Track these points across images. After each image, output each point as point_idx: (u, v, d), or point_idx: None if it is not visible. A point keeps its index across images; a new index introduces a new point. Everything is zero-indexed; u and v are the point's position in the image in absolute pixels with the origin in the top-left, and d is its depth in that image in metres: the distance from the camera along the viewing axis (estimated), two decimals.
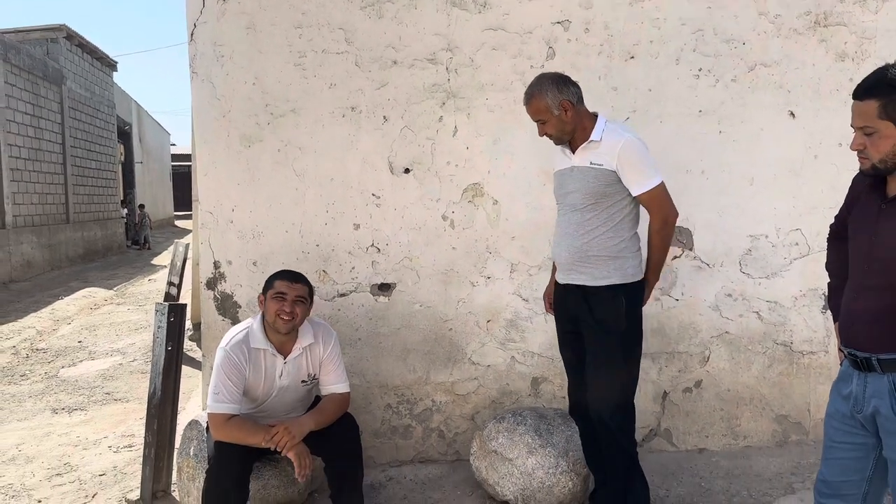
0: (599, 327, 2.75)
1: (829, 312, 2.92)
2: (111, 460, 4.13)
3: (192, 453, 3.13)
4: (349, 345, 3.60)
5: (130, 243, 20.83)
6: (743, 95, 3.67)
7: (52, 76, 15.23)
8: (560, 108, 2.70)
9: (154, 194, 27.43)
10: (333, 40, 3.51)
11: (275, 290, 2.85)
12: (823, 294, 3.65)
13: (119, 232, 19.73)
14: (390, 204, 3.61)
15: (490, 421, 3.33)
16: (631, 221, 2.78)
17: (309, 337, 2.93)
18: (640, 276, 2.80)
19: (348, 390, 3.02)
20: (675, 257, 3.71)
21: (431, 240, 3.63)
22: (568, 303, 2.87)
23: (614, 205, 2.72)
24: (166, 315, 3.38)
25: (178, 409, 3.62)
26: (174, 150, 34.13)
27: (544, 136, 2.81)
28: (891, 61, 1.86)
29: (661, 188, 2.71)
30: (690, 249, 3.73)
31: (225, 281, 3.56)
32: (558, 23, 3.57)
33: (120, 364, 6.71)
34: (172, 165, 32.76)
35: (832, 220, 2.28)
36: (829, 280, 2.29)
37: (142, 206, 21.86)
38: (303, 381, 2.95)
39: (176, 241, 8.47)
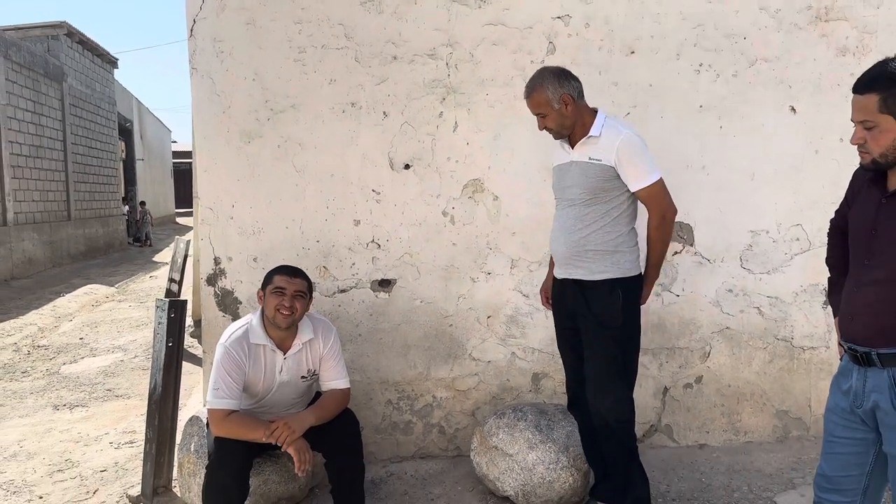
0: (597, 322, 2.75)
1: (829, 308, 2.92)
2: (112, 456, 4.14)
3: (192, 449, 3.13)
4: (350, 341, 3.60)
5: (132, 240, 20.84)
6: (744, 90, 3.66)
7: (53, 73, 15.22)
8: (560, 102, 2.70)
9: (155, 191, 27.44)
10: (333, 36, 3.51)
11: (274, 285, 2.84)
12: (824, 289, 3.64)
13: (120, 229, 19.73)
14: (390, 200, 3.61)
15: (490, 417, 3.33)
16: (629, 217, 2.78)
17: (309, 332, 2.93)
18: (637, 271, 2.80)
19: (348, 386, 3.02)
20: (676, 253, 3.71)
21: (432, 236, 3.63)
22: (566, 298, 2.88)
23: (612, 200, 2.72)
24: (167, 311, 3.38)
25: (179, 405, 3.62)
26: (175, 147, 34.12)
27: (544, 131, 2.81)
28: (891, 55, 1.86)
29: (660, 185, 2.71)
30: (691, 245, 3.72)
31: (225, 277, 3.56)
32: (558, 18, 3.56)
33: (121, 361, 6.72)
34: (173, 162, 32.76)
35: (833, 215, 2.27)
36: (829, 275, 2.29)
37: (143, 203, 21.87)
38: (303, 377, 2.95)
39: (177, 237, 8.48)
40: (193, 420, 3.27)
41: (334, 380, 2.98)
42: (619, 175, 2.69)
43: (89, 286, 11.80)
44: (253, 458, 2.87)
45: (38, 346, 7.55)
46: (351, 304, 3.63)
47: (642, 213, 2.81)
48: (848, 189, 2.14)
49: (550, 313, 3.09)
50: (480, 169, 3.61)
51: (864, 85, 1.83)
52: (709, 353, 3.78)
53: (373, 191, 3.60)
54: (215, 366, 2.81)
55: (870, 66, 1.87)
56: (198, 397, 4.52)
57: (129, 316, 9.14)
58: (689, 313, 3.76)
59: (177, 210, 33.48)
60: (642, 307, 2.88)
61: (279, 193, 3.55)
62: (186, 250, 7.64)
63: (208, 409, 2.81)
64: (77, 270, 14.15)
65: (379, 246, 3.62)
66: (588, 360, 2.81)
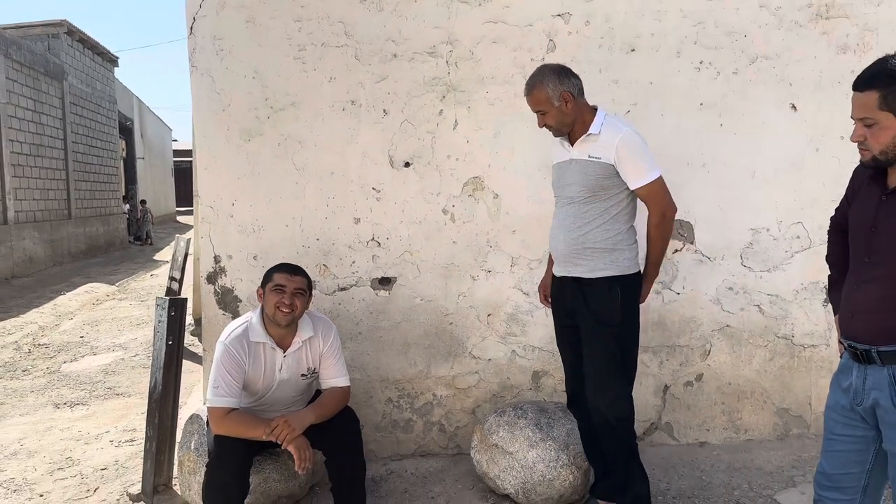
0: (595, 319, 2.75)
1: (829, 305, 2.92)
2: (113, 454, 4.14)
3: (192, 447, 3.13)
4: (350, 339, 3.60)
5: (132, 239, 20.85)
6: (744, 88, 3.66)
7: (54, 72, 15.22)
8: (560, 100, 2.69)
9: (156, 190, 27.44)
10: (333, 33, 3.50)
11: (274, 282, 2.84)
12: (824, 287, 3.64)
13: (121, 227, 19.73)
14: (391, 198, 3.60)
15: (491, 415, 3.33)
16: (628, 214, 2.78)
17: (308, 330, 2.93)
18: (636, 269, 2.79)
19: (348, 384, 3.02)
20: (676, 251, 3.70)
21: (432, 234, 3.63)
22: (565, 296, 2.88)
23: (611, 198, 2.72)
24: (167, 309, 3.38)
25: (180, 403, 3.62)
26: (176, 146, 34.10)
27: (544, 128, 2.81)
28: (892, 53, 1.85)
29: (659, 182, 2.71)
30: (691, 243, 3.72)
31: (225, 275, 3.56)
32: (559, 15, 3.56)
33: (122, 359, 6.72)
34: (174, 161, 32.75)
35: (833, 213, 2.27)
36: (829, 272, 2.28)
37: (143, 202, 21.88)
38: (302, 375, 2.95)
39: (177, 236, 8.49)
40: (193, 418, 3.27)
41: (334, 378, 2.98)
42: (618, 173, 2.69)
43: (90, 285, 11.81)
44: (253, 456, 2.87)
45: (39, 345, 7.55)
46: (351, 303, 3.63)
47: (642, 210, 2.80)
48: (848, 186, 2.13)
49: (551, 311, 3.09)
50: (480, 167, 3.61)
51: (864, 82, 1.83)
52: (709, 351, 3.77)
53: (373, 189, 3.59)
54: (215, 364, 2.81)
55: (870, 63, 1.87)
56: (198, 395, 4.53)
57: (129, 314, 9.14)
58: (690, 311, 3.75)
59: (177, 208, 33.47)
60: (643, 305, 2.88)
61: (279, 191, 3.55)
62: (187, 249, 7.65)
63: (208, 407, 2.81)
64: (78, 269, 14.15)
65: (379, 244, 3.62)
66: (587, 358, 2.81)
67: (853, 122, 1.89)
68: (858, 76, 1.85)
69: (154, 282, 12.14)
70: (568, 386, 3.02)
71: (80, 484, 3.74)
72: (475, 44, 3.55)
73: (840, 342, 2.07)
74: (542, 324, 3.66)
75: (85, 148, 17.10)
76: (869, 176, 1.98)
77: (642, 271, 2.85)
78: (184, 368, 3.59)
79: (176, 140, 34.40)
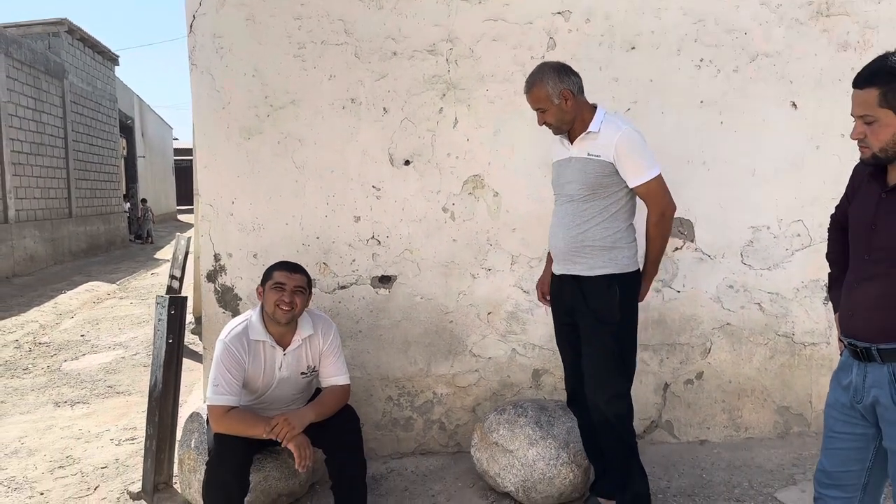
0: (594, 317, 2.75)
1: (830, 303, 2.91)
2: (113, 453, 4.14)
3: (193, 445, 3.13)
4: (350, 337, 3.60)
5: (133, 237, 20.86)
6: (744, 86, 3.65)
7: (54, 70, 15.22)
8: (560, 98, 2.69)
9: (157, 189, 27.44)
10: (333, 31, 3.50)
11: (273, 280, 2.84)
12: (825, 285, 3.64)
13: (122, 226, 19.74)
14: (391, 196, 3.60)
15: (491, 413, 3.33)
16: (627, 212, 2.78)
17: (308, 328, 2.93)
18: (635, 267, 2.79)
19: (348, 382, 3.01)
20: (677, 249, 3.70)
21: (432, 232, 3.63)
22: (564, 294, 2.87)
23: (611, 196, 2.72)
24: (167, 308, 3.38)
25: (180, 401, 3.62)
26: (177, 145, 34.10)
27: (544, 126, 2.81)
28: (892, 50, 1.85)
29: (658, 181, 2.70)
30: (692, 241, 3.72)
31: (225, 273, 3.56)
32: (559, 13, 3.55)
33: (122, 357, 6.72)
34: (175, 160, 32.75)
35: (833, 211, 2.27)
36: (829, 270, 2.28)
37: (144, 201, 21.89)
38: (302, 373, 2.95)
39: (178, 234, 8.48)
40: (194, 416, 3.27)
41: (334, 376, 2.98)
42: (617, 171, 2.68)
43: (90, 283, 11.82)
44: (253, 454, 2.87)
45: (40, 344, 7.56)
46: (351, 301, 3.63)
47: (641, 208, 2.80)
48: (848, 184, 2.13)
49: (550, 309, 3.09)
50: (480, 165, 3.61)
51: (864, 79, 1.82)
52: (709, 350, 3.77)
53: (373, 187, 3.59)
54: (215, 362, 2.81)
55: (870, 60, 1.87)
56: (199, 394, 4.53)
57: (130, 313, 9.15)
58: (690, 309, 3.75)
59: (178, 207, 33.47)
60: (643, 303, 2.88)
61: (279, 190, 3.55)
62: (187, 247, 7.64)
63: (208, 406, 2.81)
64: (78, 268, 14.16)
65: (379, 242, 3.62)
66: (586, 356, 2.81)
67: (853, 119, 1.88)
68: (858, 73, 1.84)
69: (155, 280, 12.15)
70: (568, 384, 3.02)
71: (81, 482, 3.74)
72: (475, 41, 3.54)
73: (840, 340, 2.07)
74: (542, 322, 3.65)
75: (86, 147, 17.10)
76: (869, 173, 1.97)
77: (641, 270, 2.85)
78: (184, 367, 3.59)
79: (177, 139, 34.39)
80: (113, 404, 5.23)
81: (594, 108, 2.77)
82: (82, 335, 7.88)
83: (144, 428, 3.49)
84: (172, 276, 7.86)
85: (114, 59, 19.78)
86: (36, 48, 14.58)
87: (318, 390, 3.05)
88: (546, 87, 2.69)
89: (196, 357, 5.60)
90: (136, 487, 3.50)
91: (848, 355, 2.00)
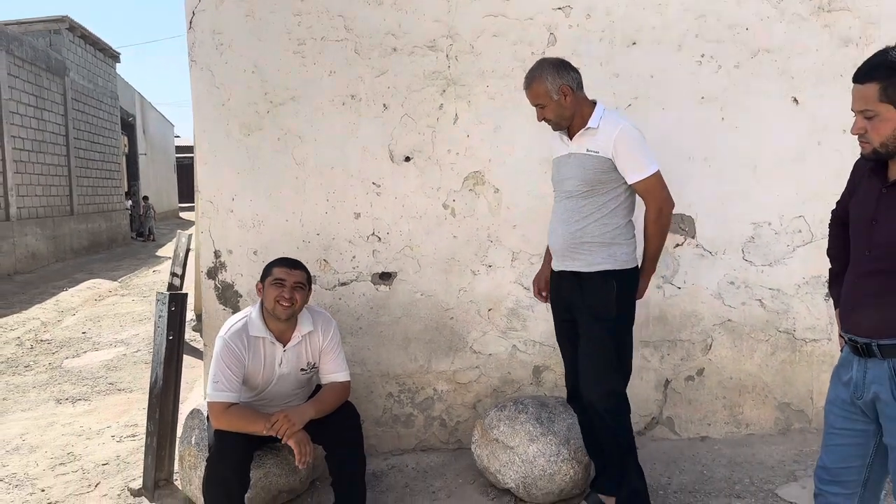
0: (591, 313, 2.74)
1: (831, 300, 2.91)
2: (114, 450, 4.15)
3: (193, 442, 3.13)
4: (350, 334, 3.60)
5: (135, 235, 20.88)
6: (746, 82, 3.64)
7: (55, 68, 15.22)
8: (559, 93, 2.68)
9: (158, 186, 27.46)
10: (333, 27, 3.49)
11: (273, 276, 2.84)
12: (826, 281, 3.63)
13: (123, 223, 19.77)
14: (391, 192, 3.60)
15: (491, 409, 3.33)
16: (626, 209, 2.77)
17: (308, 325, 2.93)
18: (633, 264, 2.78)
19: (348, 379, 3.01)
20: (678, 245, 3.69)
21: (432, 228, 3.62)
22: (563, 290, 2.87)
23: (609, 192, 2.71)
24: (167, 304, 3.38)
25: (181, 398, 3.62)
26: (178, 142, 34.11)
27: (543, 122, 2.80)
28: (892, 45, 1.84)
29: (657, 177, 2.70)
30: (693, 237, 3.71)
31: (225, 270, 3.56)
32: (559, 8, 3.54)
33: (123, 355, 6.73)
34: (177, 157, 32.77)
35: (835, 206, 2.26)
36: (830, 266, 2.27)
37: (146, 198, 21.91)
38: (302, 370, 2.95)
39: (179, 231, 8.49)
40: (194, 413, 3.27)
41: (334, 372, 2.98)
42: (616, 167, 2.68)
43: (92, 281, 11.83)
44: (253, 450, 2.87)
45: (41, 341, 7.57)
46: (351, 297, 3.63)
47: (640, 205, 2.79)
48: (849, 179, 2.12)
49: (550, 306, 3.08)
50: (481, 161, 3.60)
51: (864, 74, 1.82)
52: (710, 346, 3.77)
53: (373, 183, 3.59)
54: (215, 359, 2.81)
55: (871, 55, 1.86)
56: (199, 391, 4.53)
57: (131, 310, 9.16)
58: (691, 306, 3.74)
59: (180, 205, 33.48)
60: (643, 300, 2.88)
61: (279, 186, 3.55)
62: (188, 244, 7.63)
63: (208, 402, 2.81)
64: (80, 265, 14.18)
65: (379, 239, 3.61)
66: (582, 352, 2.80)
67: (854, 114, 1.87)
68: (858, 68, 1.84)
69: (156, 278, 12.16)
70: (568, 381, 3.02)
71: (82, 479, 3.75)
72: (475, 37, 3.53)
73: (841, 336, 2.07)
74: (542, 318, 3.65)
75: (87, 144, 17.12)
76: (870, 169, 1.97)
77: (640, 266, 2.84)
78: (185, 364, 3.60)
79: (178, 136, 34.42)
80: (114, 401, 5.23)
81: (593, 104, 2.76)
82: (84, 332, 7.89)
83: (145, 425, 3.49)
84: (173, 274, 7.85)
85: (115, 57, 19.79)
86: (37, 46, 14.59)
87: (319, 387, 3.05)
88: (545, 83, 2.69)
89: (197, 354, 5.60)
90: (137, 484, 3.51)
91: (848, 351, 2.00)
